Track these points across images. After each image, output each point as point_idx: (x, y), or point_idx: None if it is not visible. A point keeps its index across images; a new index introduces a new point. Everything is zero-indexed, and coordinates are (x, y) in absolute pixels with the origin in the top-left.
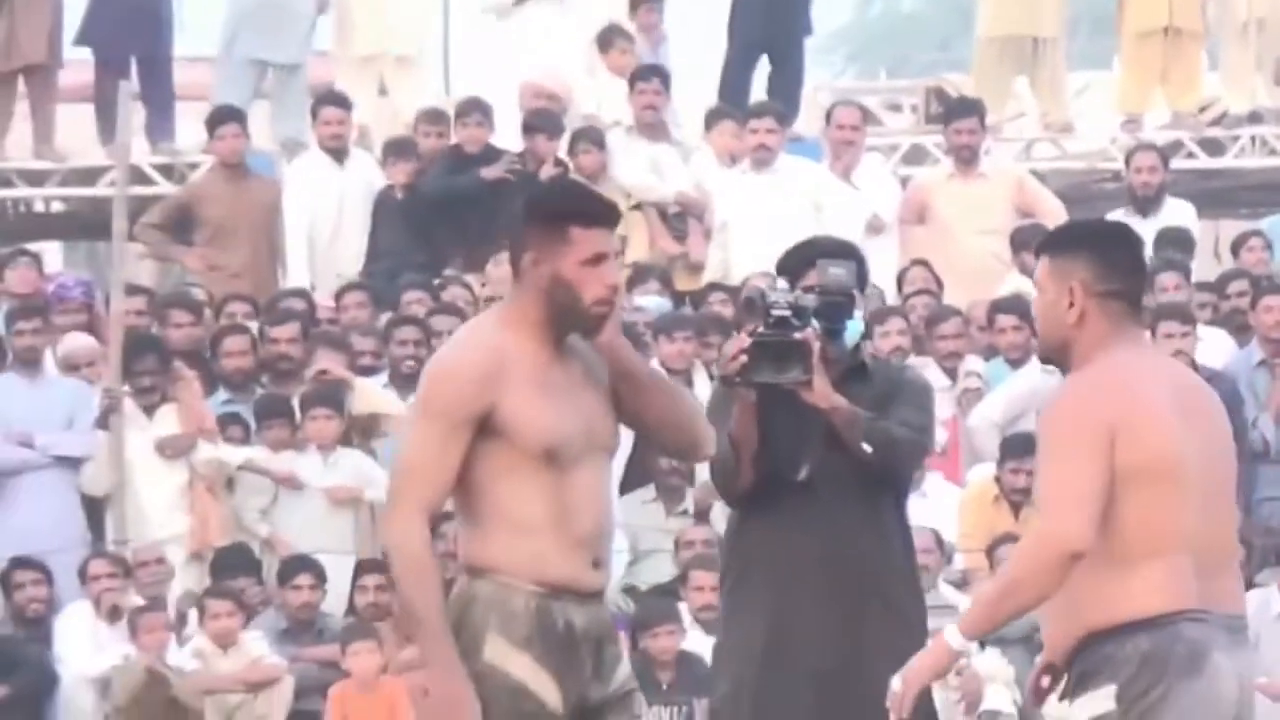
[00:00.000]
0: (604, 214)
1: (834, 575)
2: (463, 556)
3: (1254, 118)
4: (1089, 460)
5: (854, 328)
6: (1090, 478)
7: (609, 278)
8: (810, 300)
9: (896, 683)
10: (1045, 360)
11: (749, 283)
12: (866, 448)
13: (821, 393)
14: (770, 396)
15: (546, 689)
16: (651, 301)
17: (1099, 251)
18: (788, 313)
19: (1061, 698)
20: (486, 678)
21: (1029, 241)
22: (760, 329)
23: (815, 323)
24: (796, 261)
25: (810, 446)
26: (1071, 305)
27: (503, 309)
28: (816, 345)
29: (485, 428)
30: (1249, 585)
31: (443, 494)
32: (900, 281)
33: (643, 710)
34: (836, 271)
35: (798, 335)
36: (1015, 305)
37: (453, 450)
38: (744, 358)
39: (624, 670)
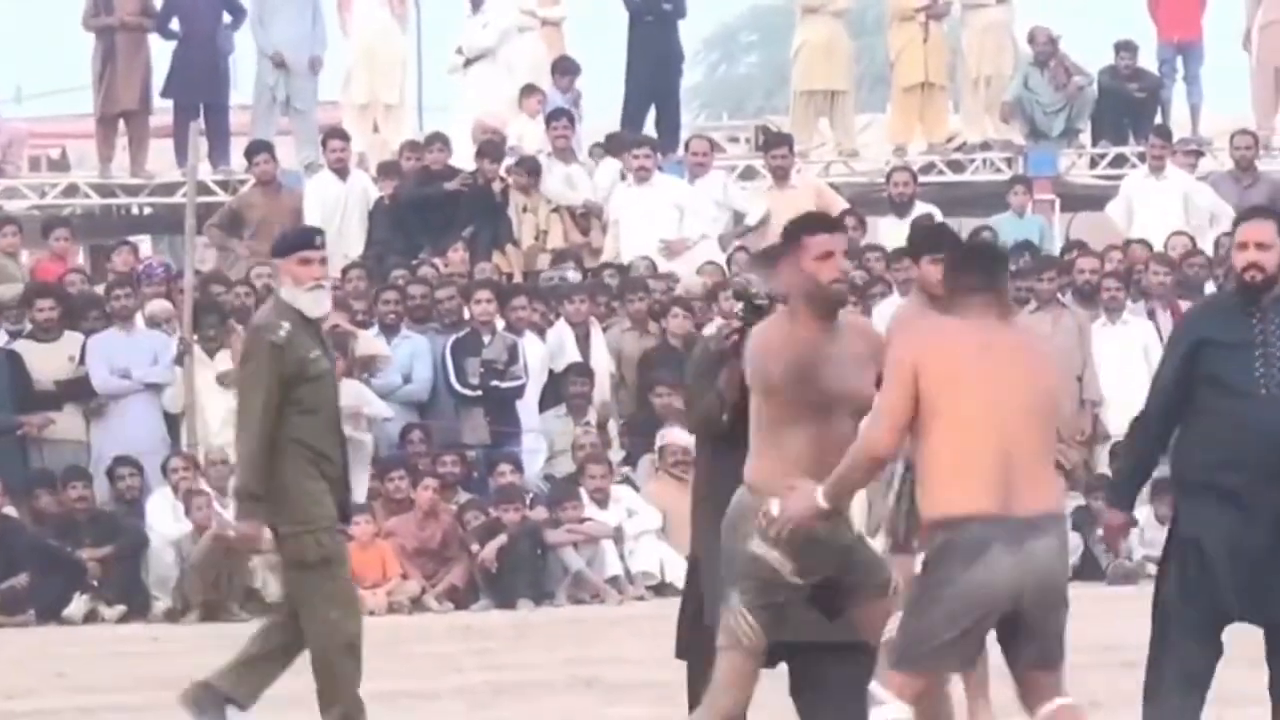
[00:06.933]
0: (825, 225)
1: None
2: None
3: (984, 146)
4: None
5: None
6: None
7: (839, 267)
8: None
9: None
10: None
11: (735, 277)
12: None
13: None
14: None
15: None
16: (570, 274)
17: None
18: (765, 301)
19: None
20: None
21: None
22: (745, 314)
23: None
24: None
25: None
26: None
27: (786, 308)
28: None
29: None
30: None
31: None
32: (731, 263)
33: None
34: None
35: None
36: None
37: None
38: (735, 337)
39: None
